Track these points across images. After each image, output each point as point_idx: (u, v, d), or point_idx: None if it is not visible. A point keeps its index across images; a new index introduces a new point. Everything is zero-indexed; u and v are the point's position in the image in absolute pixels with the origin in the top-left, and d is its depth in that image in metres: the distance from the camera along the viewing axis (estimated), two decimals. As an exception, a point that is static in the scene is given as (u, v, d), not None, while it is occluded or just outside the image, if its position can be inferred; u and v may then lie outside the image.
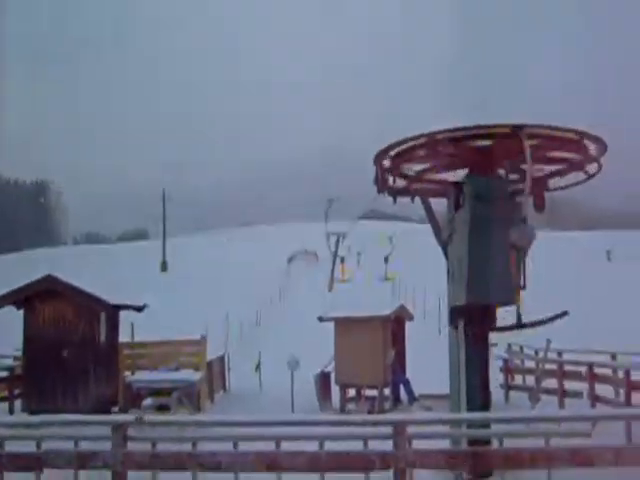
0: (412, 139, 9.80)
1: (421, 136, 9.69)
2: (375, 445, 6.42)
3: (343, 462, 6.08)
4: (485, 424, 7.23)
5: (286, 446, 6.49)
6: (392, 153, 10.42)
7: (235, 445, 6.57)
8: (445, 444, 6.76)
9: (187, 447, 6.64)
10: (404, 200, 12.34)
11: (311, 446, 6.46)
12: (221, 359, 25.02)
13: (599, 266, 58.29)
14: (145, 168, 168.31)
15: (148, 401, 16.96)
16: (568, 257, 61.27)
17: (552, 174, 11.31)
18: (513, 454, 5.93)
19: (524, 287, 10.54)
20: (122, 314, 22.15)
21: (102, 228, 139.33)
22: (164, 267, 76.51)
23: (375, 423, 6.30)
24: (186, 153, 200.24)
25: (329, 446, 6.45)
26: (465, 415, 8.21)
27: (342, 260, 62.61)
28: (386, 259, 60.18)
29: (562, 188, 11.60)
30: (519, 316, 10.50)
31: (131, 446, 6.64)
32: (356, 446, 6.56)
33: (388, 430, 6.07)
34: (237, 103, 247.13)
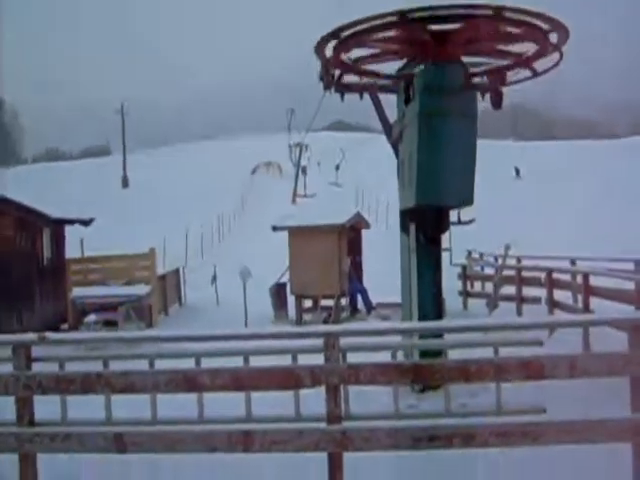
0: (357, 22, 8.78)
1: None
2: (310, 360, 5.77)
3: (268, 379, 5.41)
4: (434, 334, 6.61)
5: (208, 363, 5.85)
6: (341, 36, 9.29)
7: (151, 364, 5.91)
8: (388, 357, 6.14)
9: (97, 367, 5.97)
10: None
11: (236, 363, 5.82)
12: (176, 272, 24.48)
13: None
14: (104, 84, 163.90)
15: (92, 317, 16.29)
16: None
17: (511, 65, 10.43)
18: (457, 366, 5.30)
19: None
20: (75, 230, 21.42)
21: (62, 144, 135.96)
22: (125, 183, 75.13)
23: (303, 335, 5.62)
24: (147, 71, 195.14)
25: (256, 362, 5.80)
26: (404, 325, 7.60)
27: (304, 171, 61.67)
28: (337, 167, 62.47)
29: (521, 81, 10.73)
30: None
31: (37, 368, 5.90)
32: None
33: (319, 342, 5.41)
34: (201, 16, 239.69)
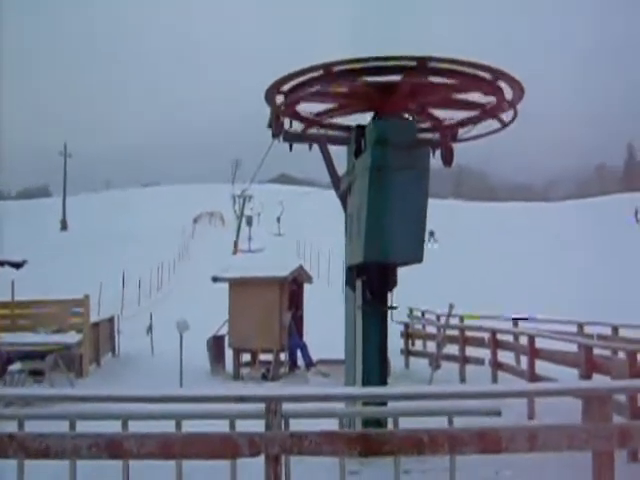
0: (306, 71, 8.54)
1: (315, 67, 8.44)
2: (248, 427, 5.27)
3: (202, 446, 4.90)
4: (380, 401, 6.19)
5: (136, 427, 5.30)
6: (285, 88, 9.11)
7: (71, 425, 5.33)
8: (333, 423, 5.67)
9: (12, 427, 5.36)
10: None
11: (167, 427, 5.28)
12: (111, 320, 23.60)
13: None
14: (48, 125, 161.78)
15: (17, 365, 15.40)
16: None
17: (463, 122, 10.30)
18: (409, 436, 4.89)
19: None
20: (6, 272, 20.58)
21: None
22: (64, 226, 73.74)
23: (242, 399, 5.13)
24: (89, 112, 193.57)
25: (190, 427, 5.27)
26: (353, 390, 7.15)
27: (249, 222, 61.30)
28: (278, 219, 63.98)
29: (473, 138, 10.59)
30: None
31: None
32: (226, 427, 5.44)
33: (259, 408, 4.94)
34: (150, 64, 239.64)
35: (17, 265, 19.88)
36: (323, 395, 5.17)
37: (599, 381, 8.88)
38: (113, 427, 5.39)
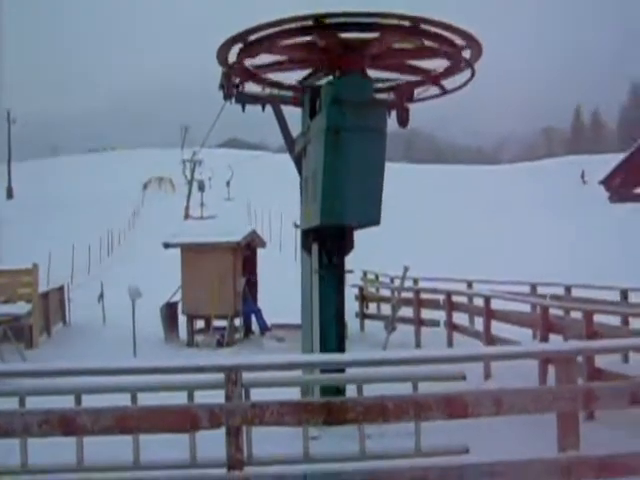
0: (266, 26, 8.19)
1: (273, 23, 8.10)
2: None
3: (159, 419, 4.70)
4: (340, 368, 6.06)
5: (90, 401, 5.07)
6: (247, 40, 8.68)
7: (21, 402, 5.08)
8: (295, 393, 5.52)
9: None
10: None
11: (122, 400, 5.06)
12: (61, 289, 23.05)
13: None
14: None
15: (-36, 337, 14.94)
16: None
17: (420, 82, 10.10)
18: (373, 404, 4.76)
19: None
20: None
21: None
22: (9, 194, 71.81)
23: (200, 369, 4.94)
24: (34, 74, 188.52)
25: (146, 400, 5.07)
26: (315, 357, 7.01)
27: (201, 187, 60.38)
28: (227, 183, 62.78)
29: (429, 98, 10.41)
30: None
31: None
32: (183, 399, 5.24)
33: (219, 377, 4.75)
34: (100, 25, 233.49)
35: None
36: (285, 363, 5.01)
37: (559, 342, 8.89)
38: (65, 402, 5.16)
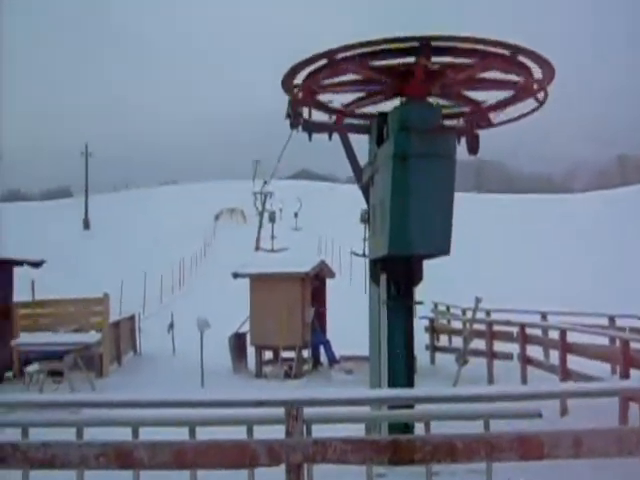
0: (309, 61, 8.07)
1: (317, 56, 7.94)
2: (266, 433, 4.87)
3: (217, 455, 4.53)
4: (409, 404, 5.76)
5: (146, 433, 4.94)
6: (303, 75, 8.62)
7: (78, 432, 4.98)
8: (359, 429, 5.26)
9: (15, 436, 5.02)
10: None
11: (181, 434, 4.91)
12: (131, 319, 23.34)
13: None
14: (71, 126, 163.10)
15: (34, 366, 15.15)
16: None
17: (491, 107, 9.81)
18: (442, 443, 4.48)
19: None
20: (27, 272, 20.35)
21: (23, 185, 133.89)
22: (86, 225, 73.86)
23: (260, 403, 4.75)
24: (113, 114, 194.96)
25: (204, 435, 4.90)
26: (380, 392, 6.70)
27: (272, 218, 60.86)
28: (295, 214, 64.27)
29: (504, 123, 10.10)
30: None
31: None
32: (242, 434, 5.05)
33: (279, 412, 4.55)
34: (168, 64, 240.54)
35: (36, 265, 19.63)
36: (347, 399, 4.77)
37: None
38: (123, 435, 5.03)
